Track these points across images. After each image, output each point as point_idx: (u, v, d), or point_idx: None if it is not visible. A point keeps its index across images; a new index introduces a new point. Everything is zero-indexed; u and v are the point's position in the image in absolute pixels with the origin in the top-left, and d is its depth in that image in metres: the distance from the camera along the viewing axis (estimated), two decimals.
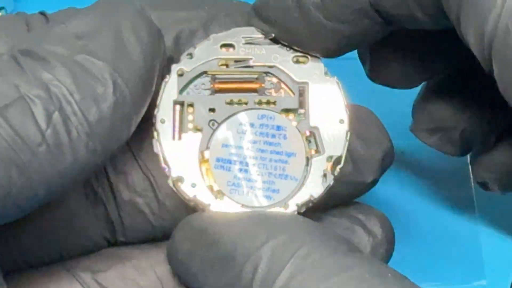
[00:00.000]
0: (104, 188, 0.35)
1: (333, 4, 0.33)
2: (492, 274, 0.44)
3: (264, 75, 0.35)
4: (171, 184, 0.34)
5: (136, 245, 0.36)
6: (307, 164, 0.34)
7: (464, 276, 0.43)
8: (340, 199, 0.36)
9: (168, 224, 0.35)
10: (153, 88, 0.33)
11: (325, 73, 0.35)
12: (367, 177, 0.36)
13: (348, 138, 0.34)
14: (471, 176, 0.45)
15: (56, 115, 0.30)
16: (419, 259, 0.43)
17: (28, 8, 0.38)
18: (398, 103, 0.42)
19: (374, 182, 0.36)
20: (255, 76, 0.35)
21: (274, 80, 0.35)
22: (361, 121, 0.36)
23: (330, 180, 0.34)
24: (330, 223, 0.36)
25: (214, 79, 0.35)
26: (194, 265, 0.32)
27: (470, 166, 0.44)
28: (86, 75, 0.31)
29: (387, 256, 0.36)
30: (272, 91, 0.35)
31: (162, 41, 0.33)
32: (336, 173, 0.34)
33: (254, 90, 0.35)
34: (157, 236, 0.36)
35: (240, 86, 0.35)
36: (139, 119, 0.32)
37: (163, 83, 0.34)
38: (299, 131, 0.34)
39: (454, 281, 0.43)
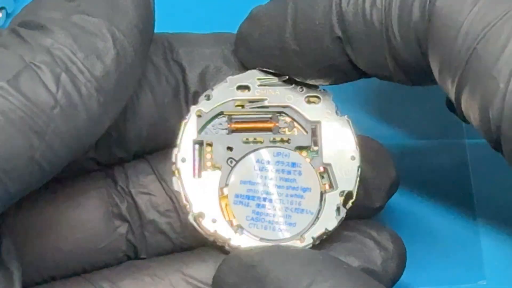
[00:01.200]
0: (129, 208, 0.37)
1: (312, 55, 0.34)
2: (492, 274, 0.44)
3: (278, 114, 0.37)
4: (191, 220, 0.35)
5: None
6: (321, 199, 0.36)
7: (464, 276, 0.43)
8: (349, 219, 0.37)
9: (189, 242, 0.37)
10: (151, 36, 0.34)
11: (336, 112, 0.37)
12: (375, 203, 0.38)
13: (359, 173, 0.36)
14: (471, 176, 0.45)
15: (63, 77, 0.31)
16: (419, 260, 0.43)
17: None
18: (399, 104, 0.42)
19: (380, 208, 0.38)
20: (270, 116, 0.37)
21: (288, 119, 0.37)
22: (372, 151, 0.38)
23: (343, 214, 0.36)
24: (343, 236, 0.37)
25: (230, 119, 0.36)
26: None
27: (470, 168, 0.44)
28: (84, 33, 0.31)
29: (398, 273, 0.37)
30: (286, 130, 0.37)
31: None
32: (348, 207, 0.36)
33: (268, 129, 0.37)
34: (176, 251, 0.37)
35: (255, 126, 0.37)
36: (143, 67, 0.34)
37: (183, 124, 0.36)
38: (313, 167, 0.36)
39: (454, 281, 0.43)
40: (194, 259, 0.37)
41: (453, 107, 0.41)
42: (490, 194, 0.43)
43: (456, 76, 0.31)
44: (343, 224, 0.36)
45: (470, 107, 0.31)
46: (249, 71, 0.37)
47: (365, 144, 0.37)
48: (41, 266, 0.36)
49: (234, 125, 0.36)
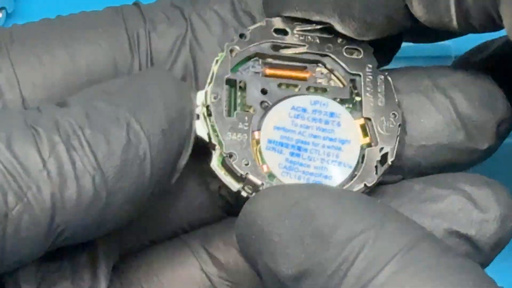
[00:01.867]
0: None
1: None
2: (492, 274, 0.44)
3: (315, 65, 0.35)
4: (216, 166, 0.33)
5: None
6: (360, 153, 0.34)
7: None
8: (453, 168, 0.35)
9: None
10: (181, 141, 0.33)
11: (378, 68, 0.35)
12: (482, 144, 0.35)
13: (399, 132, 0.34)
14: None
15: (60, 146, 0.30)
16: None
17: (28, 8, 0.38)
18: None
19: (490, 150, 0.35)
20: (306, 65, 0.35)
21: (325, 70, 0.35)
22: (473, 86, 0.35)
23: (382, 171, 0.34)
24: (432, 196, 0.34)
25: (264, 63, 0.34)
26: (277, 234, 0.30)
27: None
28: (100, 116, 0.31)
29: (502, 238, 0.34)
30: (322, 81, 0.35)
31: (191, 99, 0.33)
32: (387, 166, 0.34)
33: (304, 79, 0.35)
34: None
35: (290, 74, 0.35)
36: (170, 174, 0.32)
37: (215, 61, 0.34)
38: (353, 119, 0.34)
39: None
40: None
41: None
42: None
43: None
44: (434, 180, 0.34)
45: None
46: (286, 15, 0.35)
47: (466, 80, 0.34)
48: (137, 231, 0.36)
49: (268, 70, 0.34)
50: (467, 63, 0.39)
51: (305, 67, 0.35)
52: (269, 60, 0.35)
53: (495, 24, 0.30)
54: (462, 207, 0.33)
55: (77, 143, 0.30)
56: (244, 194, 0.33)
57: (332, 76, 0.35)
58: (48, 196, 0.30)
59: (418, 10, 0.32)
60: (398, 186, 0.35)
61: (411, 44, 0.40)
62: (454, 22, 0.31)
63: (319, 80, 0.35)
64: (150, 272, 0.36)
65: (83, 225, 0.31)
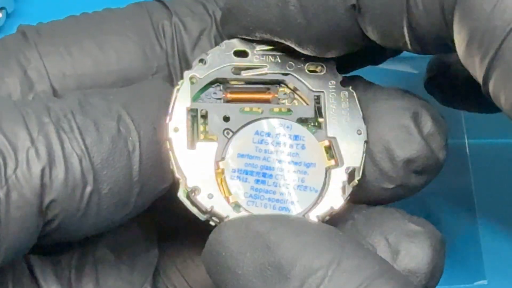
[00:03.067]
0: None
1: (320, 28, 0.32)
2: (492, 274, 0.44)
3: (277, 86, 0.34)
4: (182, 196, 0.32)
5: None
6: (326, 175, 0.33)
7: (464, 276, 0.43)
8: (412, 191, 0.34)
9: None
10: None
11: (341, 83, 0.34)
12: (440, 156, 0.34)
13: (365, 149, 0.33)
14: (472, 177, 0.45)
15: (50, 126, 0.30)
16: None
17: (28, 8, 0.38)
18: None
19: (400, 192, 0.34)
20: (268, 86, 0.34)
21: (287, 90, 0.34)
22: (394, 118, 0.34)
23: (349, 192, 0.33)
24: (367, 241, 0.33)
25: (226, 88, 0.34)
26: (240, 267, 0.30)
27: (470, 168, 0.44)
28: (93, 108, 0.31)
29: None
30: (286, 101, 0.34)
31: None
32: (354, 185, 0.33)
33: (267, 101, 0.34)
34: None
35: (252, 97, 0.34)
36: (159, 170, 0.32)
37: (175, 90, 0.33)
38: (317, 141, 0.33)
39: (454, 281, 0.43)
40: None
41: (432, 89, 0.41)
42: (490, 194, 0.43)
43: (487, 54, 0.28)
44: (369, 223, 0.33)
45: (502, 89, 0.28)
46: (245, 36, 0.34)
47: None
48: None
49: (230, 95, 0.34)
50: (439, 64, 0.39)
51: (267, 89, 0.34)
52: (230, 84, 0.34)
53: (449, 49, 0.30)
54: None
55: (66, 126, 0.30)
56: (212, 223, 0.33)
57: (296, 96, 0.34)
58: (37, 174, 0.29)
59: (372, 35, 0.32)
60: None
61: None
62: (409, 47, 0.31)
63: (282, 101, 0.34)
64: (185, 255, 0.36)
65: (71, 212, 0.30)
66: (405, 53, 0.41)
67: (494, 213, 0.45)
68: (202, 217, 0.32)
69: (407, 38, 0.31)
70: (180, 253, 0.37)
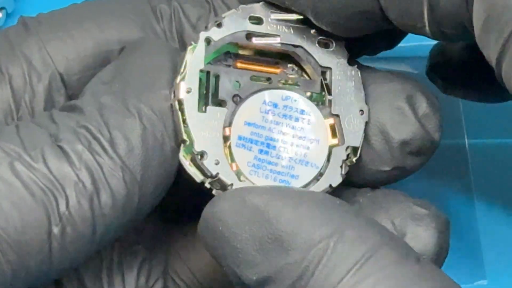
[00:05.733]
0: None
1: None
2: (492, 274, 0.44)
3: (286, 60, 0.34)
4: (182, 157, 0.32)
5: None
6: (328, 153, 0.33)
7: (464, 276, 0.43)
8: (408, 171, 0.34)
9: None
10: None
11: (348, 61, 0.34)
12: (382, 165, 0.34)
13: (364, 130, 0.33)
14: (472, 176, 0.45)
15: (86, 154, 0.30)
16: None
17: (28, 8, 0.38)
18: None
19: (395, 173, 0.34)
20: (277, 60, 0.34)
21: (296, 67, 0.34)
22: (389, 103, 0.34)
23: (345, 171, 0.33)
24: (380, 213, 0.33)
25: (236, 56, 0.33)
26: (238, 240, 0.30)
27: (470, 168, 0.44)
28: (111, 112, 0.31)
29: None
30: (293, 76, 0.34)
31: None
32: (350, 164, 0.33)
33: (275, 73, 0.34)
34: None
35: (261, 69, 0.34)
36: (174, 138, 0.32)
37: (189, 49, 0.32)
38: (323, 117, 0.33)
39: (454, 281, 0.43)
40: None
41: (434, 76, 0.41)
42: (490, 194, 0.43)
43: (502, 33, 0.27)
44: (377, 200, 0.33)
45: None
46: (262, 2, 0.34)
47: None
48: None
49: (239, 64, 0.33)
50: (442, 51, 0.39)
51: (276, 62, 0.34)
52: (241, 53, 0.34)
53: (466, 33, 0.30)
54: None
55: (99, 148, 0.30)
56: (207, 185, 0.32)
57: (303, 73, 0.34)
58: (87, 206, 0.30)
59: (392, 14, 0.31)
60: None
61: (410, 44, 0.40)
62: (426, 29, 0.31)
63: (290, 76, 0.34)
64: (187, 243, 0.36)
65: (121, 224, 0.31)
66: (405, 53, 0.41)
67: (494, 213, 0.45)
68: (199, 178, 0.32)
69: (425, 18, 0.30)
70: (182, 241, 0.37)
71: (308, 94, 0.34)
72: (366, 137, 0.34)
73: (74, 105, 0.31)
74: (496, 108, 0.43)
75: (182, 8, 0.35)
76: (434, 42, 0.41)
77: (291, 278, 0.29)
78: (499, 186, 0.45)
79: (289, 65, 0.34)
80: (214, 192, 0.32)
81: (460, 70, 0.39)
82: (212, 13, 0.35)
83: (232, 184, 0.32)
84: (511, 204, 0.45)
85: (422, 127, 0.34)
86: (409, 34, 0.36)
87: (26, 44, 0.33)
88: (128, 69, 0.32)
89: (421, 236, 0.32)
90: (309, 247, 0.29)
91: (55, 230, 0.29)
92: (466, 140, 0.46)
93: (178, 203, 0.36)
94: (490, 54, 0.28)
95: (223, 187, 0.32)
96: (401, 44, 0.37)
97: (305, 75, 0.34)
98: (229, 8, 0.34)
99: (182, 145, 0.32)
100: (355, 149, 0.33)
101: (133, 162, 0.31)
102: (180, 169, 0.32)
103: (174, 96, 0.32)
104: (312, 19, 0.33)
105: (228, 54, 0.33)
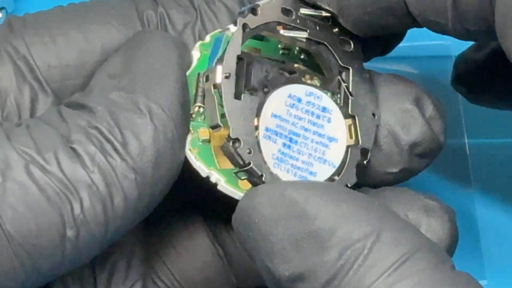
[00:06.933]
0: None
1: None
2: (492, 274, 0.44)
3: (307, 59, 0.34)
4: (189, 153, 0.32)
5: None
6: (346, 152, 0.33)
7: None
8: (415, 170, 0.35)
9: None
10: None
11: (363, 64, 0.34)
12: (390, 167, 0.34)
13: (375, 133, 0.34)
14: (472, 176, 0.45)
15: (98, 156, 0.30)
16: None
17: (28, 8, 0.38)
18: None
19: (403, 174, 0.35)
20: (300, 57, 0.34)
21: (314, 62, 0.34)
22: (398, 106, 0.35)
23: (359, 172, 0.33)
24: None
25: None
26: (274, 234, 0.30)
27: (470, 168, 0.44)
28: (121, 110, 0.31)
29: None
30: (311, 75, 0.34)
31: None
32: (362, 166, 0.33)
33: (297, 69, 0.34)
34: None
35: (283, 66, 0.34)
36: (184, 142, 0.32)
37: (226, 32, 0.33)
38: (343, 117, 0.34)
39: None
40: None
41: (459, 87, 0.41)
42: (490, 194, 0.43)
43: None
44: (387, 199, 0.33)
45: None
46: None
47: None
48: None
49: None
50: (466, 61, 0.39)
51: (298, 61, 0.34)
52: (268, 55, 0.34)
53: (490, 30, 0.30)
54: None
55: (111, 149, 0.30)
56: (213, 180, 0.32)
57: (324, 66, 0.34)
58: (101, 209, 0.30)
59: (415, 9, 0.31)
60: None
61: (410, 44, 0.40)
62: (450, 25, 0.31)
63: (312, 73, 0.34)
64: (168, 244, 0.36)
65: (131, 223, 0.31)
66: (405, 53, 0.41)
67: (494, 213, 0.45)
68: (205, 172, 0.32)
69: (449, 14, 0.30)
70: (162, 241, 0.37)
71: (328, 93, 0.34)
72: (375, 139, 0.34)
73: (83, 103, 0.31)
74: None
75: (168, 15, 0.35)
76: (435, 42, 0.41)
77: (325, 277, 0.28)
78: (499, 186, 0.45)
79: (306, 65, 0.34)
80: (219, 187, 0.32)
81: (485, 78, 0.39)
82: (198, 19, 0.35)
83: (262, 175, 0.31)
84: (511, 204, 0.45)
85: (430, 129, 0.34)
86: (408, 34, 0.36)
87: (11, 45, 0.33)
88: (136, 63, 0.32)
89: (435, 228, 0.32)
90: (346, 246, 0.28)
91: (70, 233, 0.29)
92: (466, 140, 0.46)
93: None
94: (510, 53, 0.28)
95: (251, 177, 0.32)
96: (401, 44, 0.37)
97: (326, 68, 0.34)
98: (215, 15, 0.35)
99: (191, 135, 0.32)
100: (366, 151, 0.33)
101: (145, 164, 0.30)
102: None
103: (207, 80, 0.32)
104: (336, 13, 0.33)
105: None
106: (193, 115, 0.32)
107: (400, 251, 0.28)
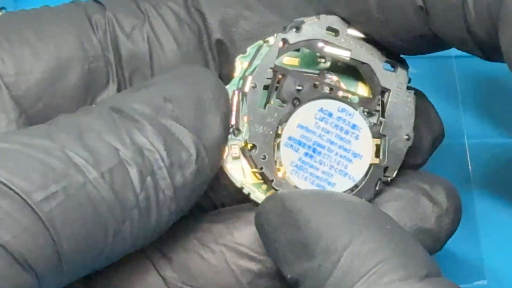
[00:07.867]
0: None
1: (395, 24, 0.33)
2: (492, 274, 0.44)
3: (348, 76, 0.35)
4: (229, 161, 0.34)
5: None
6: (368, 169, 0.35)
7: (464, 276, 0.43)
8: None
9: None
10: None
11: (407, 85, 0.35)
12: (417, 160, 0.37)
13: (404, 156, 0.35)
14: (471, 176, 0.45)
15: (148, 180, 0.31)
16: None
17: (28, 8, 0.38)
18: None
19: (422, 164, 0.37)
20: (337, 79, 0.35)
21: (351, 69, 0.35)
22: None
23: (380, 187, 0.35)
24: (394, 194, 0.36)
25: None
26: (277, 240, 0.32)
27: (470, 168, 0.44)
28: (173, 140, 0.32)
29: (453, 228, 0.36)
30: (353, 91, 0.35)
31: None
32: (384, 184, 0.35)
33: (336, 86, 0.35)
34: None
35: (321, 78, 0.35)
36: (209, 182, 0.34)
37: (264, 45, 0.34)
38: (372, 136, 0.35)
39: (454, 281, 0.43)
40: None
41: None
42: (490, 194, 0.43)
43: None
44: (396, 179, 0.35)
45: None
46: (337, 16, 0.35)
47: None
48: None
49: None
50: None
51: (335, 80, 0.35)
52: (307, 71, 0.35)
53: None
54: (420, 203, 0.35)
55: (160, 176, 0.31)
56: (245, 191, 0.34)
57: (364, 85, 0.35)
58: (137, 229, 0.31)
59: (443, 37, 0.32)
60: None
61: None
62: (473, 51, 0.32)
63: (350, 90, 0.35)
64: (112, 285, 0.36)
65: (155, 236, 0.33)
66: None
67: (494, 213, 0.45)
68: (239, 183, 0.34)
69: (469, 43, 0.32)
70: (107, 284, 0.37)
71: (364, 111, 0.35)
72: None
73: (132, 117, 0.32)
74: (496, 108, 0.43)
75: (116, 18, 0.35)
76: None
77: (313, 283, 0.31)
78: (498, 186, 0.45)
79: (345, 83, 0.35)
80: (252, 196, 0.34)
81: None
82: (146, 22, 0.36)
83: (272, 180, 0.34)
84: (511, 204, 0.45)
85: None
86: None
87: None
88: (183, 96, 0.33)
89: (441, 192, 0.36)
90: (327, 256, 0.31)
91: (107, 249, 0.31)
92: (466, 140, 0.46)
93: None
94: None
95: (267, 182, 0.34)
96: None
97: (367, 87, 0.35)
98: (162, 18, 0.36)
99: (227, 150, 0.34)
100: (391, 169, 0.35)
101: (182, 197, 0.32)
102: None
103: (242, 86, 0.34)
104: (378, 40, 0.35)
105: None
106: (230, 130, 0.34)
107: (371, 263, 0.30)
